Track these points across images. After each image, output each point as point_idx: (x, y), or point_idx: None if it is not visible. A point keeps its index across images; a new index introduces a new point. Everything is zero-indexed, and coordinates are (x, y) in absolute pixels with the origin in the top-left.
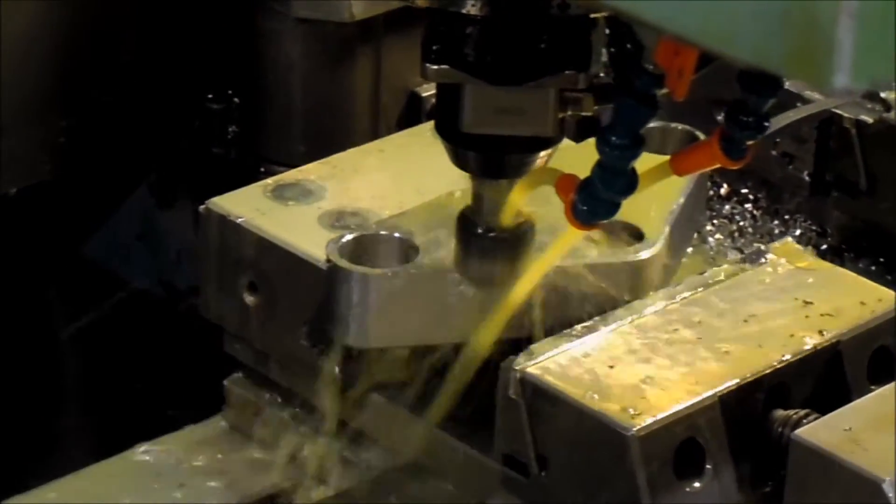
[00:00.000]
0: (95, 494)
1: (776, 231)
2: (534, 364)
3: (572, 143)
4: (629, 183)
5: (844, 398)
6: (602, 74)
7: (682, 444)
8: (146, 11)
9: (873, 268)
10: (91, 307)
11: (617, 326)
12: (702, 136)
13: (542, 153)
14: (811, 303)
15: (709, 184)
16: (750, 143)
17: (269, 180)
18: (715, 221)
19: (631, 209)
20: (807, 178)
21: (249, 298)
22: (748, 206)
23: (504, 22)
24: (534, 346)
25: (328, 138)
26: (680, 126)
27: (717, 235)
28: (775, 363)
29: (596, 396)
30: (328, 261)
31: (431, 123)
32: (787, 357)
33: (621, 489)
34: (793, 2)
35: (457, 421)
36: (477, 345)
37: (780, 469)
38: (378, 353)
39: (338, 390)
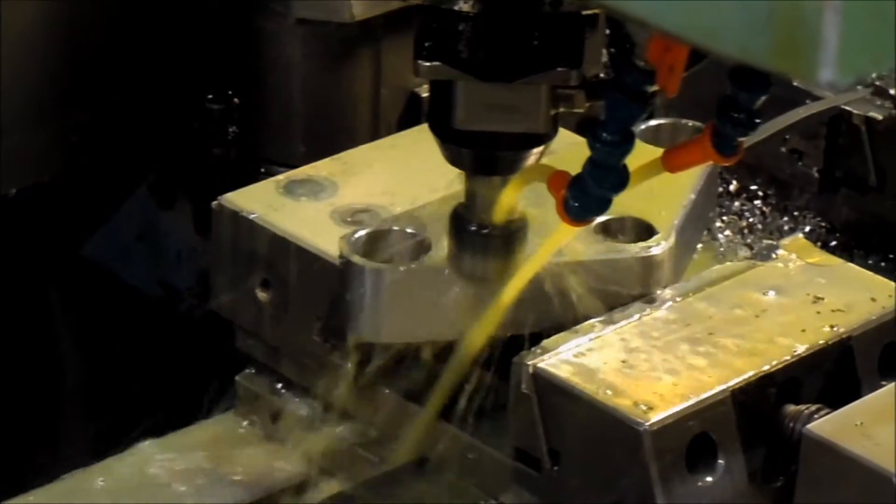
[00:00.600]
0: (97, 494)
1: (785, 227)
2: (546, 359)
3: (574, 143)
4: (620, 179)
5: (855, 393)
6: (602, 75)
7: (694, 439)
8: (146, 12)
9: (883, 264)
10: (91, 307)
11: (628, 322)
12: None
13: (535, 150)
14: (822, 298)
15: (718, 180)
16: (741, 139)
17: (281, 176)
18: (724, 218)
19: (642, 205)
20: (816, 175)
21: (262, 294)
22: (757, 202)
23: (496, 19)
24: (546, 342)
25: (328, 138)
26: (690, 122)
27: (727, 232)
28: (787, 358)
29: (608, 391)
30: (341, 256)
31: None
32: (799, 352)
33: (633, 484)
34: None
35: (468, 416)
36: (470, 342)
37: (792, 463)
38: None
39: (350, 385)
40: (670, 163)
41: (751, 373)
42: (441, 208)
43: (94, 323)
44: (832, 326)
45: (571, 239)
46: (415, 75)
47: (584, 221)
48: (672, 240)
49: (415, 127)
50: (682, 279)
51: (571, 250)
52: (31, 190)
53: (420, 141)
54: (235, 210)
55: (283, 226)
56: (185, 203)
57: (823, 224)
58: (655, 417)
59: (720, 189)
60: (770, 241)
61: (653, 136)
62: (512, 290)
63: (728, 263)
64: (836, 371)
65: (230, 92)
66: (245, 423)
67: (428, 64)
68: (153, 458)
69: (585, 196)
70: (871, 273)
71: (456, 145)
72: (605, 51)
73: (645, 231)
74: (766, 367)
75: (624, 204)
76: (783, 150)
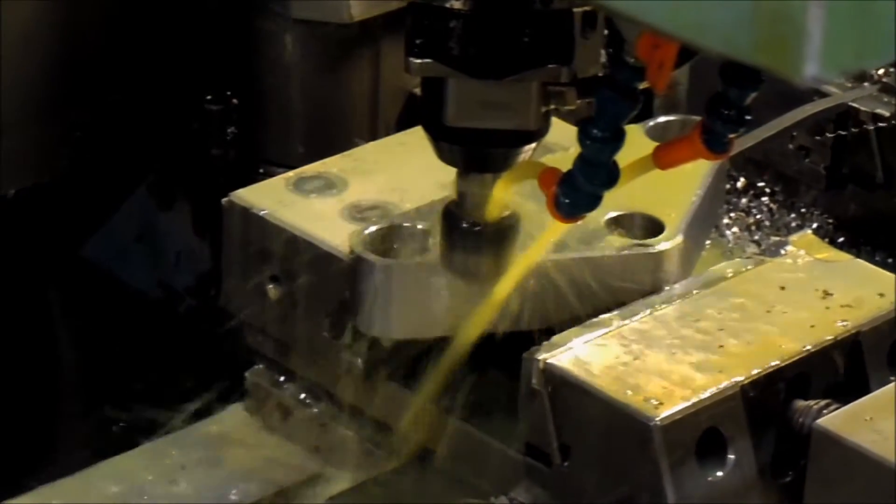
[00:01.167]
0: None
1: (793, 224)
2: (556, 354)
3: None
4: (610, 176)
5: (864, 388)
6: (601, 74)
7: (704, 434)
8: (145, 12)
9: (890, 260)
10: (90, 308)
11: (638, 318)
12: None
13: (526, 147)
14: (831, 294)
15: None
16: (731, 136)
17: (291, 173)
18: (732, 215)
19: (651, 201)
20: (823, 172)
21: (271, 290)
22: (765, 199)
23: (487, 16)
24: (556, 337)
25: (327, 139)
26: (699, 119)
27: (734, 229)
28: (796, 354)
29: (618, 386)
30: (352, 252)
31: None
32: (808, 348)
33: (644, 478)
34: None
35: (478, 411)
36: (463, 338)
37: (801, 458)
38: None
39: (360, 380)
40: (661, 160)
41: (760, 368)
42: None
43: (93, 324)
44: (841, 322)
45: (560, 235)
46: (406, 72)
47: (574, 218)
48: (681, 236)
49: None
50: (690, 275)
51: (581, 246)
52: (31, 190)
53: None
54: (245, 207)
55: (293, 222)
56: (184, 204)
57: (830, 221)
58: (666, 412)
59: (727, 186)
60: (778, 238)
61: (661, 133)
62: (505, 286)
63: (737, 259)
64: (845, 366)
65: (229, 93)
66: (254, 418)
67: (419, 61)
68: (163, 454)
69: (576, 193)
70: (879, 269)
71: (447, 142)
72: (603, 51)
73: (654, 227)
74: (776, 363)
75: (633, 200)
76: (790, 146)
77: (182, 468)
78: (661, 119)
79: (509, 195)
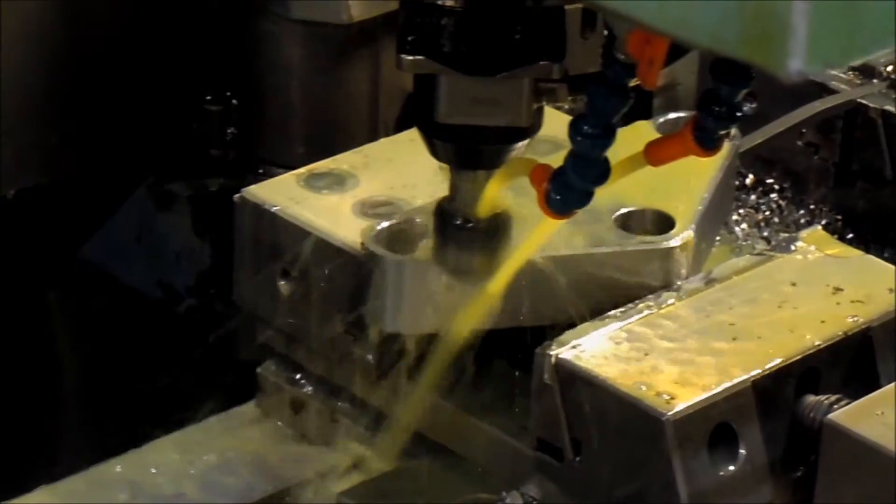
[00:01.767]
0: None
1: (802, 221)
2: (568, 349)
3: None
4: (601, 172)
5: (874, 384)
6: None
7: (715, 429)
8: (145, 13)
9: None
10: (90, 309)
11: (649, 313)
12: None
13: (518, 144)
14: (841, 289)
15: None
16: (722, 132)
17: (302, 169)
18: (741, 211)
19: (661, 197)
20: (832, 168)
21: (283, 286)
22: (774, 196)
23: (479, 13)
24: (567, 332)
25: (326, 139)
26: None
27: (743, 225)
28: (807, 349)
29: (631, 381)
30: (364, 248)
31: None
32: (819, 343)
33: (655, 473)
34: None
35: (490, 407)
36: (455, 335)
37: (812, 454)
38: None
39: (372, 376)
40: (652, 156)
41: (771, 363)
42: None
43: (93, 324)
44: (852, 317)
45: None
46: (398, 69)
47: (565, 214)
48: (692, 231)
49: None
50: (701, 271)
51: (593, 242)
52: (30, 191)
53: None
54: (257, 203)
55: (305, 218)
56: (184, 204)
57: (839, 217)
58: (678, 407)
59: (736, 182)
60: (788, 234)
61: (672, 129)
62: (498, 283)
63: (748, 255)
64: (856, 361)
65: (228, 93)
66: (266, 414)
67: (411, 58)
68: (167, 453)
69: (567, 189)
70: (889, 265)
71: (439, 139)
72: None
73: (664, 223)
74: (787, 358)
75: (644, 196)
76: (799, 143)
77: (188, 465)
78: (672, 115)
79: (502, 192)
